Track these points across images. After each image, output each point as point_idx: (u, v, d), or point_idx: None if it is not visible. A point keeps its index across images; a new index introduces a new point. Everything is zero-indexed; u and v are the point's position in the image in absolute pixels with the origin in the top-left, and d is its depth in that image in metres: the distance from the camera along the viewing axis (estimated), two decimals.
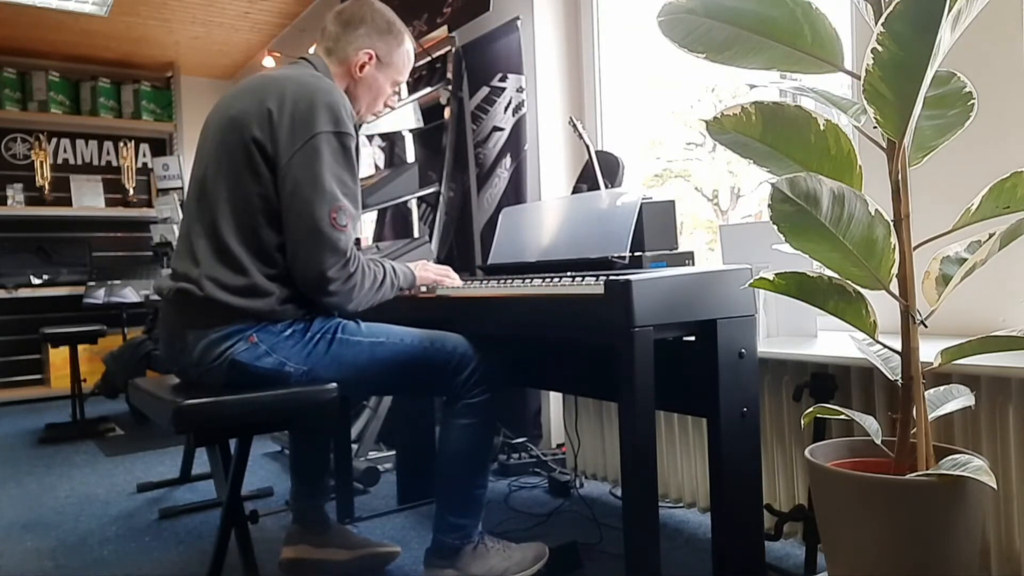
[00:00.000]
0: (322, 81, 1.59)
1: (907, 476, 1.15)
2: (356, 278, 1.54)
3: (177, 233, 1.77)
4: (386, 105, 1.82)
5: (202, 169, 1.61)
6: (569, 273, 1.56)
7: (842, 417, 1.31)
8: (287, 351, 1.54)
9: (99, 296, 4.72)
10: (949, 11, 0.98)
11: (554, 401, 2.84)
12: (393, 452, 2.80)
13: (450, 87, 3.07)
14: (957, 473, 1.07)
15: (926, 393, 1.23)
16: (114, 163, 5.50)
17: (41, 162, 5.10)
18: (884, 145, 1.18)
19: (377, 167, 3.60)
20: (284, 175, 1.50)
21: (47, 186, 5.12)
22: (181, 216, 1.71)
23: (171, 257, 1.71)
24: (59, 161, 5.37)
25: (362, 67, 1.71)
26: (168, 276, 1.63)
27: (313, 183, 1.48)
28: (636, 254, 1.69)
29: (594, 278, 1.39)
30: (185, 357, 1.55)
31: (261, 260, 1.53)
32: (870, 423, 1.29)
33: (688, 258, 1.73)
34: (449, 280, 1.84)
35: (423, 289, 1.81)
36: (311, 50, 1.74)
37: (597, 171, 2.10)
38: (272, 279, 1.53)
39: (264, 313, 1.52)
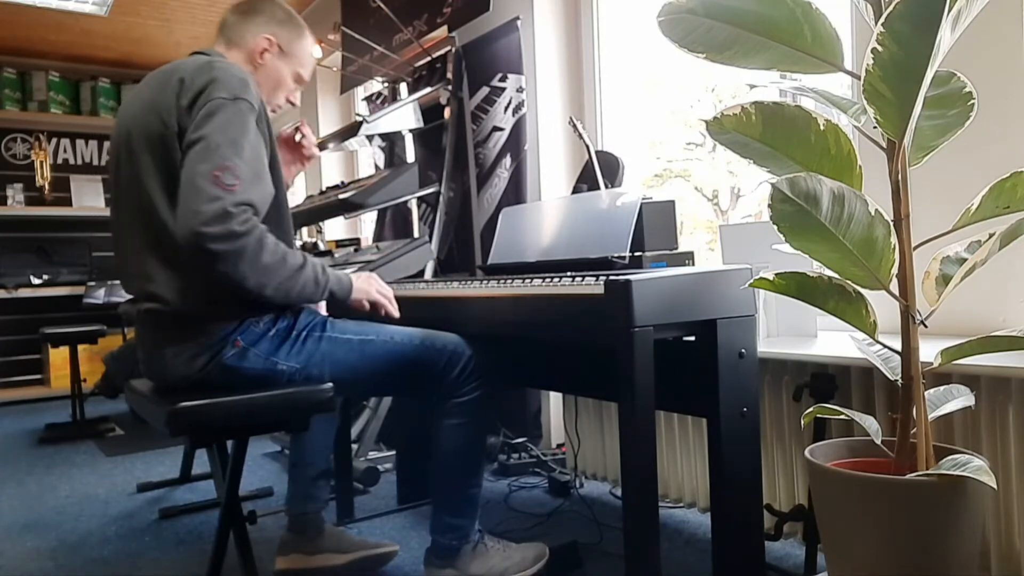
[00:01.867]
0: (219, 60, 1.53)
1: (907, 476, 1.15)
2: (246, 241, 1.35)
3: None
4: (288, 101, 1.74)
5: (125, 174, 1.51)
6: (569, 273, 1.56)
7: (842, 417, 1.31)
8: (276, 351, 1.52)
9: (99, 296, 4.72)
10: (949, 11, 0.98)
11: (554, 401, 2.84)
12: (393, 452, 2.80)
13: (450, 87, 3.07)
14: (957, 473, 1.07)
15: (926, 393, 1.23)
16: None
17: (41, 162, 5.10)
18: (884, 145, 1.18)
19: (377, 167, 3.60)
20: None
21: (47, 186, 5.12)
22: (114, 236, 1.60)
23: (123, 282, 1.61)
24: (59, 161, 5.37)
25: (263, 53, 1.65)
26: (128, 302, 1.55)
27: (200, 143, 1.38)
28: (636, 254, 1.69)
29: (594, 278, 1.39)
30: (169, 373, 1.51)
31: None
32: (870, 423, 1.29)
33: (688, 258, 1.73)
34: (390, 307, 1.65)
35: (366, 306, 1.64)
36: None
37: (597, 171, 2.09)
38: None
39: (237, 313, 1.48)
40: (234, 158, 1.38)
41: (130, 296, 1.57)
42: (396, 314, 1.66)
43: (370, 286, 1.63)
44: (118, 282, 4.76)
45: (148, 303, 1.49)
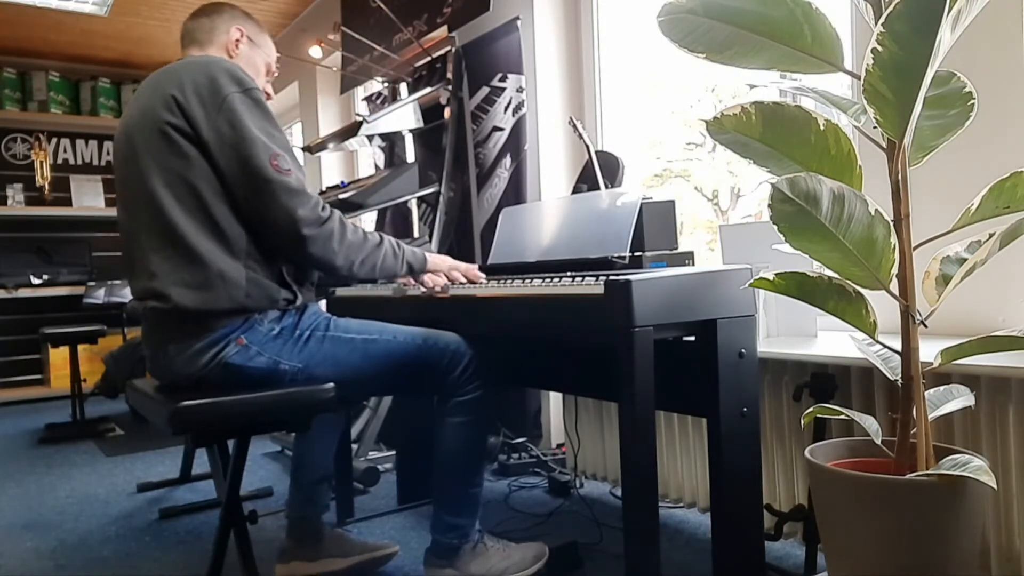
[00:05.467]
0: (210, 56, 1.60)
1: (907, 476, 1.15)
2: (332, 224, 1.50)
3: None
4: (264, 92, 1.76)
5: (128, 175, 1.55)
6: (569, 273, 1.56)
7: (842, 417, 1.31)
8: (279, 349, 1.53)
9: (99, 296, 4.72)
10: (949, 11, 0.98)
11: (554, 401, 2.84)
12: (393, 452, 2.80)
13: (450, 87, 3.07)
14: (957, 473, 1.07)
15: (926, 393, 1.23)
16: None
17: (41, 162, 5.10)
18: (884, 145, 1.18)
19: (377, 167, 3.60)
20: (214, 146, 1.46)
21: (47, 186, 5.12)
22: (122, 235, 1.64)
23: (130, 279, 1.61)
24: (59, 161, 5.37)
25: (237, 43, 1.71)
26: (134, 299, 1.58)
27: (243, 138, 1.45)
28: (636, 254, 1.69)
29: (594, 278, 1.39)
30: (172, 370, 1.52)
31: (220, 239, 1.48)
32: (870, 423, 1.29)
33: (688, 258, 1.73)
34: (459, 275, 1.74)
35: (437, 289, 1.72)
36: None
37: (597, 171, 2.09)
38: (237, 258, 1.48)
39: (238, 307, 1.48)
40: (276, 147, 1.48)
41: (136, 295, 1.58)
42: (474, 279, 1.75)
43: (444, 263, 1.74)
44: (118, 282, 4.81)
45: (152, 301, 1.50)
